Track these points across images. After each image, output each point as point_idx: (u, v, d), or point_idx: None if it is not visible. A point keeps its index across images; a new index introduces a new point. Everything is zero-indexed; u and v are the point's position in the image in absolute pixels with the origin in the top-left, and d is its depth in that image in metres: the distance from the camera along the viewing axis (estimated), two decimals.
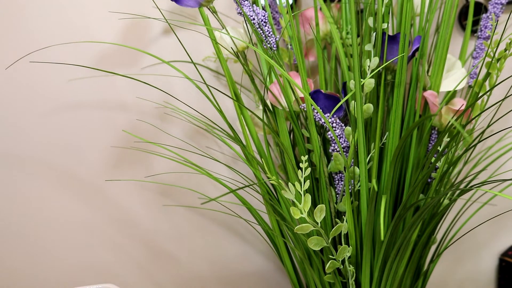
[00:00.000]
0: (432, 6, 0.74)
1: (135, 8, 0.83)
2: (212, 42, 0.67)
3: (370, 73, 0.64)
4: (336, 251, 0.65)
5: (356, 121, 0.64)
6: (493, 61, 0.67)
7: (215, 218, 0.97)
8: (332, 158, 0.67)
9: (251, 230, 0.98)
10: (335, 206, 0.70)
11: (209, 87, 0.69)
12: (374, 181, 0.63)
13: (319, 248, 0.63)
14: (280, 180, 0.60)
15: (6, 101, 0.85)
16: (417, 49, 0.67)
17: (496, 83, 0.68)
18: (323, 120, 0.64)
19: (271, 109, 0.71)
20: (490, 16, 0.74)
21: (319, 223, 0.60)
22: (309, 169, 0.59)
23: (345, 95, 0.69)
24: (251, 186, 0.75)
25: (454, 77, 0.73)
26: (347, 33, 0.76)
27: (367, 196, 0.67)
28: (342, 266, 0.67)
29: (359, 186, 0.67)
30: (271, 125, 0.72)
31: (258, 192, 0.72)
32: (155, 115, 0.89)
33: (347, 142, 0.66)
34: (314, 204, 0.70)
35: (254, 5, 0.65)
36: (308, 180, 0.59)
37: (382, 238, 0.53)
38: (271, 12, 0.77)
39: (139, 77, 0.86)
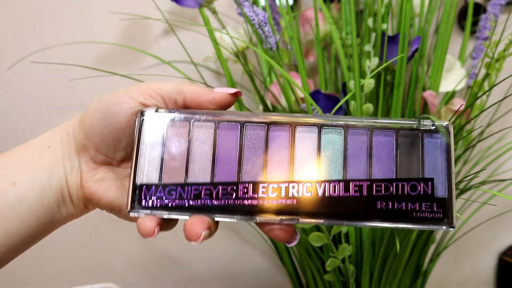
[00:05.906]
0: (431, 7, 0.74)
1: (136, 8, 0.84)
2: (213, 42, 0.67)
3: (370, 74, 0.64)
4: (337, 249, 0.66)
5: None
6: (492, 62, 0.67)
7: None
8: None
9: (251, 230, 0.98)
10: None
11: (209, 87, 0.69)
12: None
13: (320, 245, 0.63)
14: None
15: (6, 101, 0.85)
16: (416, 50, 0.67)
17: (495, 83, 0.68)
18: None
19: (271, 109, 0.71)
20: (489, 17, 0.74)
21: None
22: None
23: (345, 95, 0.69)
24: None
25: (453, 78, 0.73)
26: (347, 33, 0.77)
27: None
28: (342, 265, 0.67)
29: None
30: None
31: None
32: None
33: None
34: None
35: (254, 5, 0.65)
36: None
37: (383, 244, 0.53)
38: (271, 13, 0.77)
39: (139, 77, 0.86)
